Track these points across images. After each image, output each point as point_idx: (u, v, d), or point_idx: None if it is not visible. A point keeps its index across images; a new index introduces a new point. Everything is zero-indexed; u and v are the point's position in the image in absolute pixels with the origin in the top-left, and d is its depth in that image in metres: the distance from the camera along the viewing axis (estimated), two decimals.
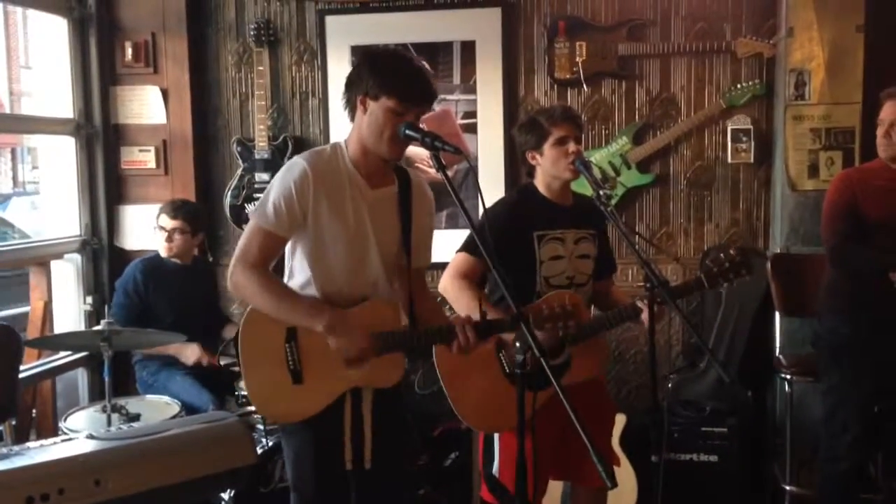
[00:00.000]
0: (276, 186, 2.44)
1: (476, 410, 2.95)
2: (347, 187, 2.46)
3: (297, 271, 2.53)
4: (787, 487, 3.94)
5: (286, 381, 2.45)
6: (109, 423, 3.32)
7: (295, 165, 2.45)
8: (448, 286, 2.94)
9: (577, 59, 4.42)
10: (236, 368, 3.68)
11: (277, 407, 2.52)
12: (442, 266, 3.02)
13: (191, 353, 3.88)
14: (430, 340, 2.55)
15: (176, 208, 4.05)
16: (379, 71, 2.41)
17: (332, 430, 2.50)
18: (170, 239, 4.03)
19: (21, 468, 2.35)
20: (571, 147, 2.93)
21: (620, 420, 3.85)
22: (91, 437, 2.61)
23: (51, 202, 4.76)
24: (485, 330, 2.45)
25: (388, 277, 2.57)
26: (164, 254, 4.07)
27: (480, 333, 2.44)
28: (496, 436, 3.07)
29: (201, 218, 4.21)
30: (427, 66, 4.52)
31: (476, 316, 2.49)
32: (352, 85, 2.47)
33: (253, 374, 2.48)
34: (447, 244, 3.12)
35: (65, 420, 3.47)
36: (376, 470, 2.56)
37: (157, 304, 4.02)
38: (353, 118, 2.50)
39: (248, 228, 2.49)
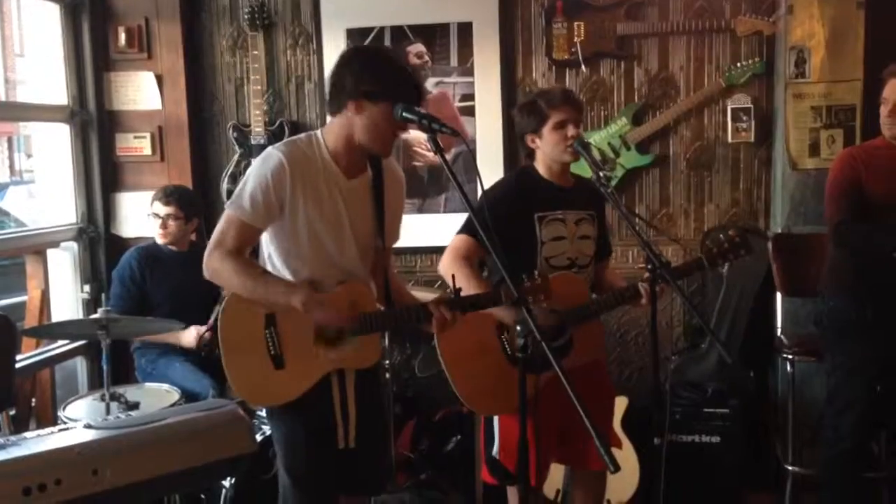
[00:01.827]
0: (252, 177, 2.46)
1: (477, 393, 2.96)
2: (323, 178, 2.48)
3: (274, 258, 2.56)
4: (790, 467, 3.93)
5: (268, 367, 2.51)
6: (108, 411, 3.30)
7: (271, 157, 2.45)
8: (447, 267, 2.94)
9: (576, 39, 4.38)
10: None
11: (260, 392, 2.58)
12: (442, 250, 3.00)
13: (188, 337, 3.87)
14: (408, 320, 2.59)
15: (168, 194, 4.02)
16: (379, 75, 2.40)
17: (322, 411, 2.55)
18: (164, 225, 4.01)
19: (17, 459, 2.33)
20: (570, 131, 2.93)
21: (622, 402, 3.85)
22: (89, 426, 2.59)
23: (46, 190, 4.73)
24: (459, 306, 2.49)
25: (363, 262, 2.61)
26: (159, 241, 4.04)
27: (454, 310, 2.48)
28: (496, 418, 3.07)
29: (195, 203, 4.18)
30: (423, 47, 4.50)
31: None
32: (344, 86, 2.43)
33: (234, 361, 2.53)
34: (446, 228, 3.10)
35: (64, 409, 3.45)
36: (359, 448, 2.62)
37: (154, 292, 3.99)
38: (336, 113, 2.48)
39: (224, 217, 2.51)
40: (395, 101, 2.37)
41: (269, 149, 2.49)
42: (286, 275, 2.54)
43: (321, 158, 2.48)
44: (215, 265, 2.49)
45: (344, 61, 2.47)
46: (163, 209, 4.00)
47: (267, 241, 2.57)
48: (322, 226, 2.49)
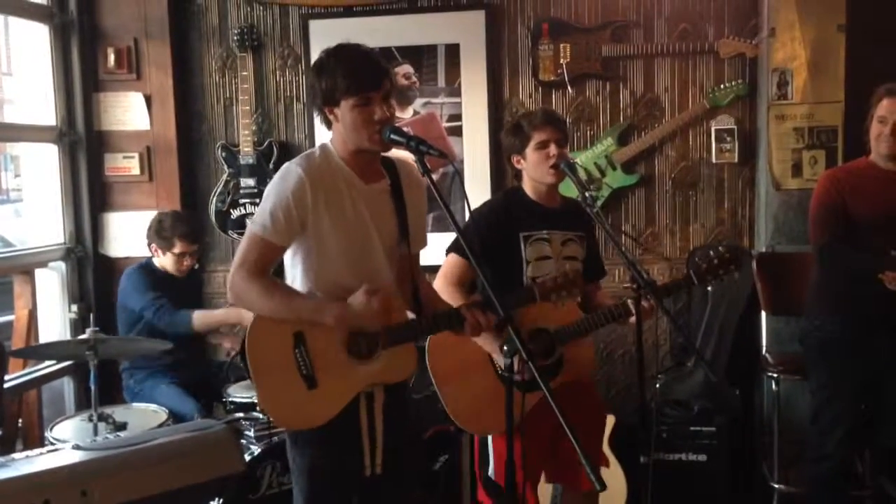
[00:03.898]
0: (273, 195, 2.42)
1: (470, 412, 2.96)
2: (343, 185, 2.46)
3: (299, 277, 2.50)
4: (776, 486, 3.96)
5: (300, 388, 2.41)
6: (96, 432, 3.30)
7: (290, 173, 2.43)
8: (439, 290, 2.96)
9: (562, 60, 4.43)
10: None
11: (294, 415, 2.46)
12: (431, 269, 3.02)
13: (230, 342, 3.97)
14: (439, 326, 2.54)
15: (194, 231, 4.06)
16: (327, 77, 2.41)
17: (350, 438, 2.47)
18: (188, 261, 4.04)
19: (6, 480, 2.33)
20: (552, 151, 2.94)
21: (609, 421, 3.85)
22: (77, 447, 2.59)
23: (34, 210, 4.72)
24: (489, 308, 2.43)
25: (390, 267, 2.55)
26: (175, 274, 4.05)
27: (487, 312, 2.42)
28: (490, 438, 3.07)
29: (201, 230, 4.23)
30: (411, 69, 4.54)
31: None
32: (314, 102, 2.49)
33: (265, 385, 2.44)
34: (433, 247, 3.10)
35: (51, 430, 3.45)
36: (387, 473, 2.53)
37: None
38: (330, 127, 2.51)
39: (245, 237, 2.46)
40: (350, 93, 2.37)
41: (287, 164, 2.47)
42: (316, 292, 2.47)
43: (337, 166, 2.47)
44: (240, 287, 2.41)
45: (309, 81, 2.51)
46: (189, 247, 4.02)
47: (290, 262, 2.51)
48: (347, 231, 2.45)
